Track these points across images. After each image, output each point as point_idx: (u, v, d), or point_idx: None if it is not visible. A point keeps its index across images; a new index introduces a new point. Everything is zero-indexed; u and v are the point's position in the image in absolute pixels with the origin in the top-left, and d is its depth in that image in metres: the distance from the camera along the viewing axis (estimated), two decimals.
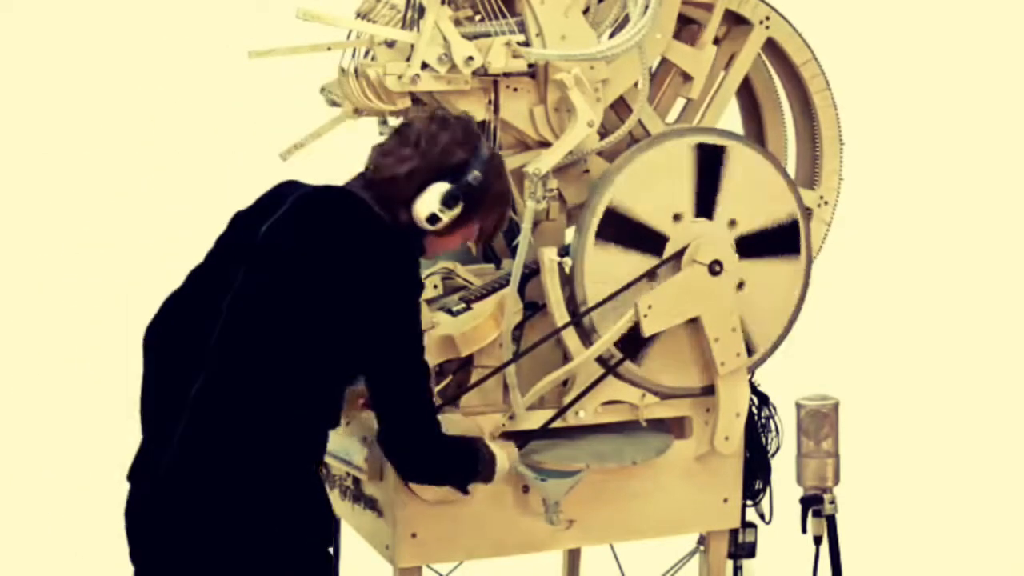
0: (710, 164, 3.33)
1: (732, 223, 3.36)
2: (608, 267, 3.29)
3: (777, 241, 3.42)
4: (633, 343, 3.32)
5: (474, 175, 2.99)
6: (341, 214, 2.95)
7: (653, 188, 3.30)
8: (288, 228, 2.93)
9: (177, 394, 2.91)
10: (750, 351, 3.43)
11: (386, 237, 2.93)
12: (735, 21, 3.51)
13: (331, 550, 3.04)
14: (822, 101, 3.58)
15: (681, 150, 3.31)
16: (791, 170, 3.64)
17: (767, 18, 3.49)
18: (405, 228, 2.99)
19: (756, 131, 3.66)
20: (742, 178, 3.35)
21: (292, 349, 2.86)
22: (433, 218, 2.98)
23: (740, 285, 3.38)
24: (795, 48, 3.53)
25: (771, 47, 3.55)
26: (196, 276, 3.03)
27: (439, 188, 2.98)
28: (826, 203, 3.61)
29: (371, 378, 2.95)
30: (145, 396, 3.00)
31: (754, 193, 3.37)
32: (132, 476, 2.96)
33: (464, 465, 3.11)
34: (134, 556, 2.96)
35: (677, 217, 3.32)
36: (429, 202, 2.97)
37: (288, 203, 2.96)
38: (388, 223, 2.97)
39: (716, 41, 3.51)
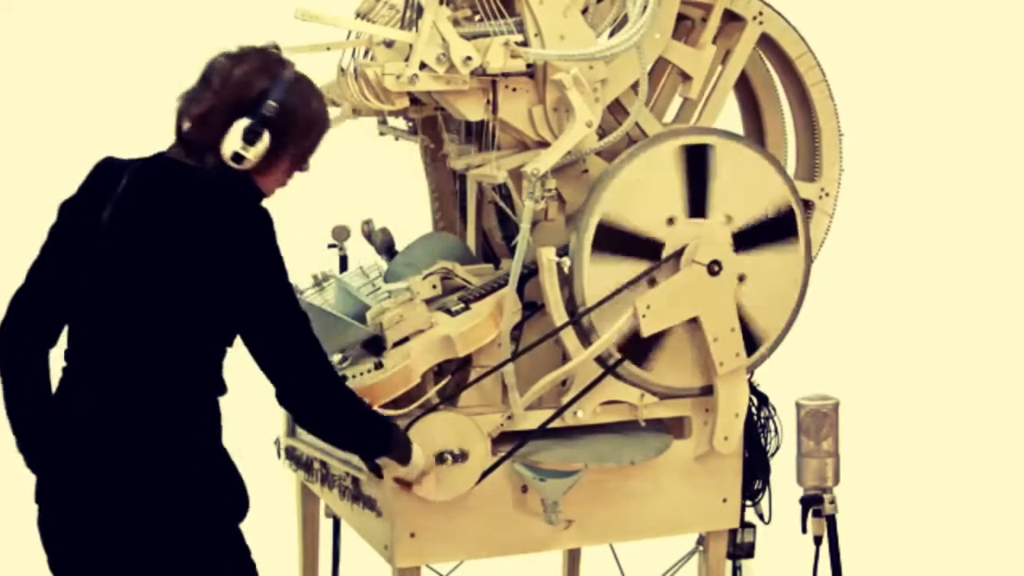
0: (697, 164, 3.32)
1: (728, 219, 3.36)
2: (607, 277, 3.28)
3: (774, 229, 3.41)
4: (639, 347, 3.32)
5: (269, 105, 2.88)
6: (169, 185, 2.88)
7: (643, 196, 3.29)
8: (128, 210, 2.87)
9: (58, 391, 2.92)
10: (756, 342, 3.42)
11: (218, 196, 2.85)
12: (729, 18, 3.50)
13: (241, 526, 2.97)
14: (819, 93, 3.57)
15: (666, 154, 3.30)
16: (791, 164, 3.64)
17: (760, 13, 3.48)
18: (219, 173, 2.89)
19: (755, 127, 3.66)
20: (731, 173, 3.35)
21: (164, 326, 2.83)
22: (237, 157, 2.88)
23: (742, 278, 3.37)
24: (790, 42, 3.53)
25: (766, 42, 3.54)
26: (39, 271, 2.98)
27: (240, 125, 2.87)
28: (827, 195, 3.61)
29: (250, 337, 2.87)
30: (17, 402, 2.97)
31: (745, 186, 3.37)
32: (38, 490, 2.96)
33: (371, 428, 3.03)
34: (51, 562, 2.96)
35: (671, 221, 3.32)
36: (231, 141, 2.87)
37: (121, 185, 2.90)
38: (213, 179, 2.88)
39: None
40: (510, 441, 3.31)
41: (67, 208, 2.98)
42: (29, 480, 2.98)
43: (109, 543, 2.85)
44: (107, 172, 2.96)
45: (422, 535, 3.29)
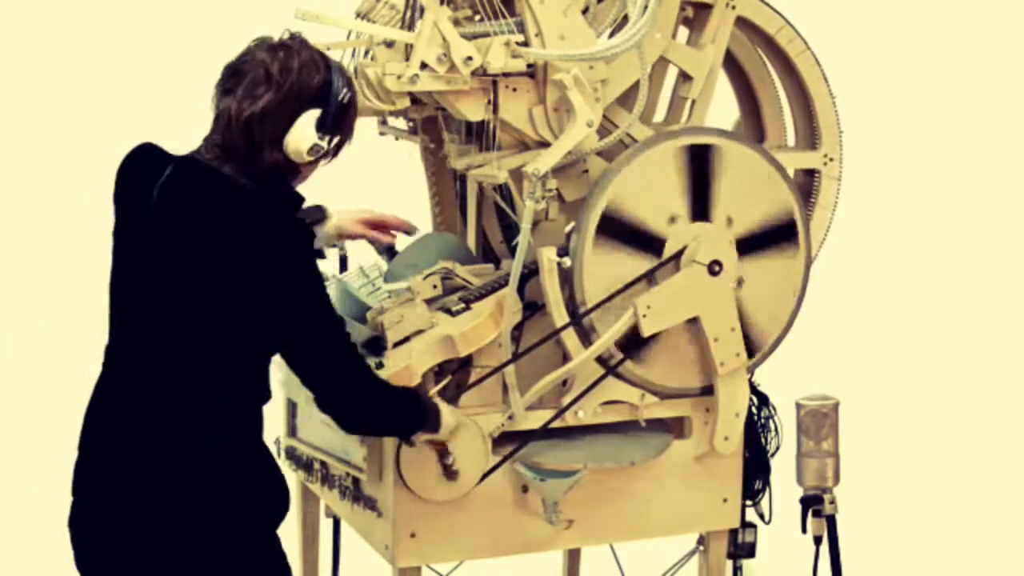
0: (701, 165, 3.32)
1: (729, 221, 3.36)
2: (608, 269, 3.29)
3: (776, 236, 3.41)
4: (633, 343, 3.32)
5: (344, 94, 2.88)
6: (208, 197, 2.83)
7: (648, 191, 3.29)
8: (166, 221, 2.84)
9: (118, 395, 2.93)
10: (753, 347, 3.42)
11: (252, 212, 2.82)
12: (699, 8, 3.48)
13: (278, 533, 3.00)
14: (804, 62, 3.56)
15: (671, 153, 3.30)
16: (789, 136, 3.64)
17: None
18: (272, 171, 2.86)
19: (751, 108, 3.65)
20: (735, 175, 3.35)
21: (205, 334, 2.82)
22: (316, 148, 2.87)
23: (740, 282, 3.37)
24: (766, 19, 3.51)
25: (746, 25, 3.52)
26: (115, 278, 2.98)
27: (311, 116, 2.85)
28: (831, 160, 3.60)
29: (290, 350, 2.87)
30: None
31: (748, 189, 3.37)
32: (75, 487, 2.96)
33: (407, 411, 3.05)
34: (80, 559, 2.96)
35: (673, 219, 3.32)
36: (304, 135, 2.85)
37: (156, 192, 2.85)
38: (250, 191, 2.83)
39: (688, 24, 3.48)
40: (511, 441, 3.31)
41: (116, 212, 2.96)
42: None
43: (144, 544, 2.85)
44: (146, 166, 2.91)
45: (422, 535, 3.29)
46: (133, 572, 2.88)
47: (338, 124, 2.90)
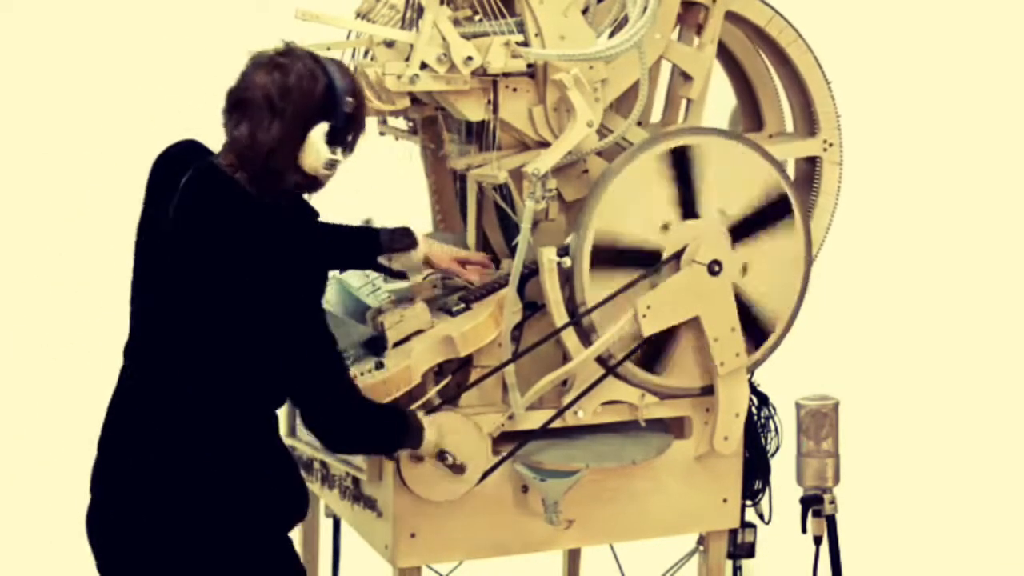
0: (682, 166, 3.31)
1: (722, 214, 3.35)
2: (608, 287, 3.28)
3: (770, 214, 3.40)
4: (652, 353, 3.32)
5: (348, 102, 2.85)
6: (218, 207, 2.83)
7: (634, 206, 3.28)
8: (184, 224, 2.85)
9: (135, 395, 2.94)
10: (767, 330, 3.42)
11: (264, 227, 2.81)
12: (688, 5, 3.48)
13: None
14: (796, 51, 3.56)
15: (651, 162, 3.30)
16: (788, 124, 3.64)
17: None
18: (293, 189, 2.86)
19: (749, 99, 3.65)
20: (717, 168, 3.33)
21: (216, 338, 2.83)
22: (331, 163, 2.86)
23: (745, 270, 3.37)
24: (755, 12, 3.51)
25: (737, 20, 3.52)
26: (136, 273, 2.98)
27: (320, 131, 2.82)
28: (831, 145, 3.60)
29: (282, 365, 2.86)
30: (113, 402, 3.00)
31: (734, 178, 3.35)
32: (94, 484, 2.97)
33: (389, 431, 3.05)
34: (99, 560, 2.97)
35: (666, 227, 3.31)
36: (317, 151, 2.83)
37: (177, 197, 2.86)
38: (264, 205, 2.83)
39: (679, 20, 3.48)
40: (511, 441, 3.31)
41: (144, 214, 2.97)
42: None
43: (160, 544, 2.86)
44: (180, 162, 2.91)
45: (422, 535, 3.29)
46: (149, 572, 2.89)
47: (348, 131, 2.88)
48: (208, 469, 2.85)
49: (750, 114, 3.67)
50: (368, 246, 3.31)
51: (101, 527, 2.93)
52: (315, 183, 2.90)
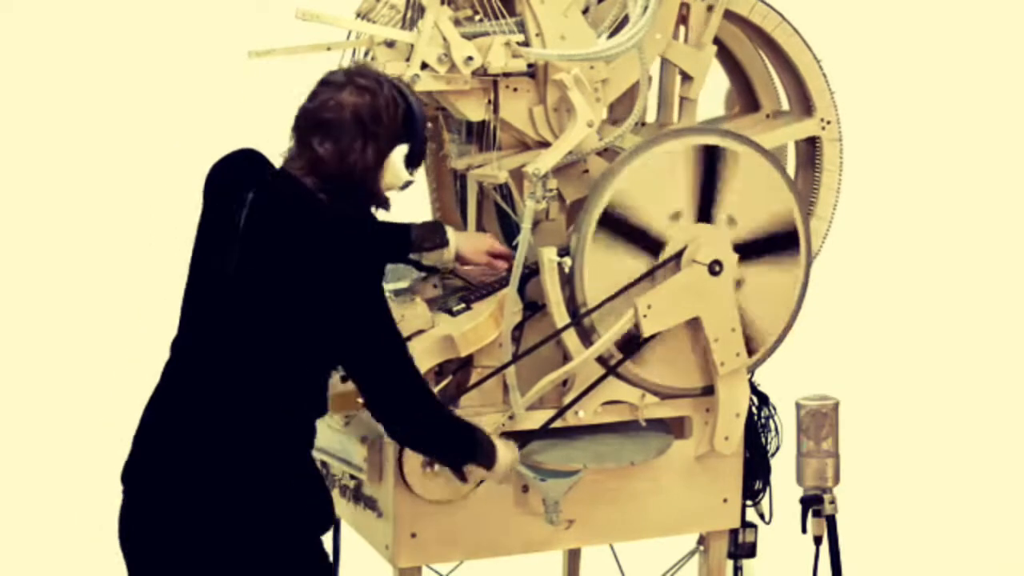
0: (709, 165, 3.32)
1: (731, 221, 3.35)
2: (607, 266, 3.29)
3: (777, 242, 3.41)
4: (632, 342, 3.32)
5: (424, 124, 2.96)
6: (293, 216, 2.88)
7: (652, 188, 3.29)
8: (255, 231, 2.88)
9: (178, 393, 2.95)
10: (751, 349, 3.42)
11: (335, 234, 2.87)
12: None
13: (324, 541, 3.02)
14: (782, 34, 3.55)
15: (680, 151, 3.31)
16: (784, 103, 3.64)
17: None
18: (367, 204, 2.96)
19: (742, 82, 3.65)
20: (741, 179, 3.35)
21: (272, 343, 2.86)
22: (407, 184, 2.97)
23: (739, 284, 3.37)
24: (738, 2, 3.51)
25: (726, 16, 3.52)
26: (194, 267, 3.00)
27: (400, 153, 2.94)
28: (828, 123, 3.60)
29: (355, 367, 2.91)
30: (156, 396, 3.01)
31: (753, 194, 3.37)
32: (126, 478, 2.97)
33: (461, 441, 3.06)
34: (128, 558, 2.97)
35: (676, 216, 3.32)
36: (399, 173, 2.94)
37: (248, 204, 2.90)
38: (334, 213, 2.89)
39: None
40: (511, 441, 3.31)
41: (204, 219, 2.99)
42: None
43: (190, 546, 2.87)
44: (245, 169, 2.95)
45: (423, 535, 3.30)
46: (178, 572, 2.89)
47: (421, 153, 2.99)
48: (249, 474, 2.87)
49: (745, 96, 3.67)
50: (400, 243, 3.35)
51: (133, 525, 2.94)
52: (387, 201, 2.99)
